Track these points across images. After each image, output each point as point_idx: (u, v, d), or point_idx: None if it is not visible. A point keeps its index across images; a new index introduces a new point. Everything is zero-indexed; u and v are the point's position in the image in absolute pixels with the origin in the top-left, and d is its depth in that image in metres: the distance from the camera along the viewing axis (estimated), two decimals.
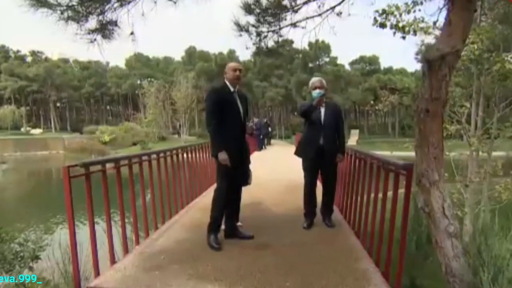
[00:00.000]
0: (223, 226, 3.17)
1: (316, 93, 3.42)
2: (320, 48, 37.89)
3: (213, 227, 2.99)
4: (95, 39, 3.08)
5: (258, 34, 3.71)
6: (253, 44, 3.80)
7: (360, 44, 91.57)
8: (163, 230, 3.43)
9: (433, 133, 2.12)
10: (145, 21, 2.98)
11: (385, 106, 7.90)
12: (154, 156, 3.61)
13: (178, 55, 59.81)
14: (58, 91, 48.90)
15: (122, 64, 52.19)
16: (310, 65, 40.10)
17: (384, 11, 4.85)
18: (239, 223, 3.35)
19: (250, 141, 4.19)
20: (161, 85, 36.47)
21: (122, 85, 47.96)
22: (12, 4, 2.60)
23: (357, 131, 38.16)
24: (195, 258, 2.69)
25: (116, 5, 2.92)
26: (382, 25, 4.90)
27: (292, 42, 4.20)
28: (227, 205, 3.06)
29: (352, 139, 33.11)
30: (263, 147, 15.78)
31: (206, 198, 4.45)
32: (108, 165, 2.76)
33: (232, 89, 3.02)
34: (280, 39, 3.81)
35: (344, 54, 77.65)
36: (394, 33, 5.05)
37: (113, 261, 2.68)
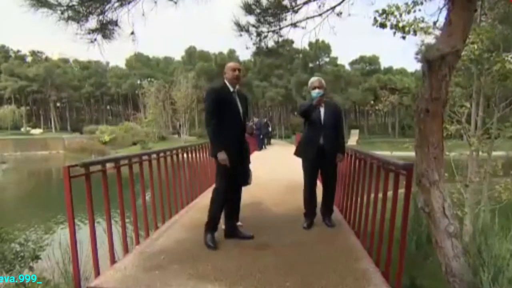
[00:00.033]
0: (223, 226, 3.18)
1: (315, 93, 3.42)
2: (320, 48, 37.92)
3: (210, 226, 3.00)
4: (95, 39, 3.08)
5: (258, 34, 3.71)
6: (253, 44, 3.81)
7: (360, 44, 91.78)
8: (163, 230, 3.44)
9: (433, 133, 2.12)
10: (145, 21, 2.99)
11: (385, 106, 7.90)
12: (154, 156, 3.62)
13: (178, 55, 59.83)
14: (58, 91, 48.92)
15: (122, 64, 52.42)
16: (310, 65, 40.15)
17: (384, 11, 4.85)
18: (239, 223, 3.36)
19: (250, 141, 4.19)
20: (161, 85, 36.51)
21: (122, 85, 48.00)
22: (12, 4, 2.61)
23: (357, 131, 38.18)
24: (195, 258, 2.69)
25: (116, 5, 2.92)
26: (382, 25, 4.90)
27: (292, 42, 4.19)
28: (225, 205, 3.07)
29: (352, 139, 33.14)
30: (263, 147, 15.77)
31: (206, 198, 4.42)
32: (108, 165, 2.77)
33: (231, 89, 3.02)
34: (280, 39, 3.82)
35: (344, 54, 77.84)
36: (394, 33, 5.04)
37: (113, 261, 2.68)
